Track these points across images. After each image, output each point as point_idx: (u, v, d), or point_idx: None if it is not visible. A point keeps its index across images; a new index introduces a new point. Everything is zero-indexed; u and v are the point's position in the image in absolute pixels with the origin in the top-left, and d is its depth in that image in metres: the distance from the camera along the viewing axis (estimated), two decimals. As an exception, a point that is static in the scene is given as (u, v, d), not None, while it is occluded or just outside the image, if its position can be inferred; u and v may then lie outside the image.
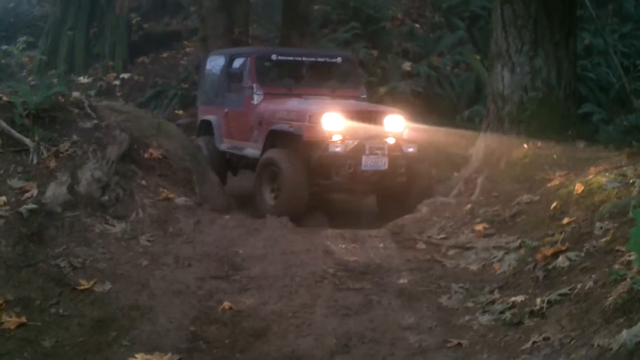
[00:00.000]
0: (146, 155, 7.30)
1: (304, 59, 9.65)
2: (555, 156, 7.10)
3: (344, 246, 6.25)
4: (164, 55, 16.62)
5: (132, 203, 6.46)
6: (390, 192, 8.39)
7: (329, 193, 8.68)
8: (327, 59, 9.73)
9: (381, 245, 6.35)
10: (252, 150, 8.75)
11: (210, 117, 9.82)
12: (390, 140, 8.03)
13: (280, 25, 14.64)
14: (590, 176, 5.86)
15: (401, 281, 5.38)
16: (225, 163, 9.59)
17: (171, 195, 6.91)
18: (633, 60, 14.70)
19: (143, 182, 6.83)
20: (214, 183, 8.51)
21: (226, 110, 9.48)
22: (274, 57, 9.36)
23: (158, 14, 17.96)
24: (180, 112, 14.02)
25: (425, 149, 8.45)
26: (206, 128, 9.94)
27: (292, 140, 8.09)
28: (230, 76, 9.41)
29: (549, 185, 6.37)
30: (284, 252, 6.08)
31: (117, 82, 15.82)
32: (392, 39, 14.94)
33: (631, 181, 5.28)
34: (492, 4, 9.13)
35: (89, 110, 7.20)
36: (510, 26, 8.08)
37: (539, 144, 7.45)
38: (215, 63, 10.18)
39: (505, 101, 8.06)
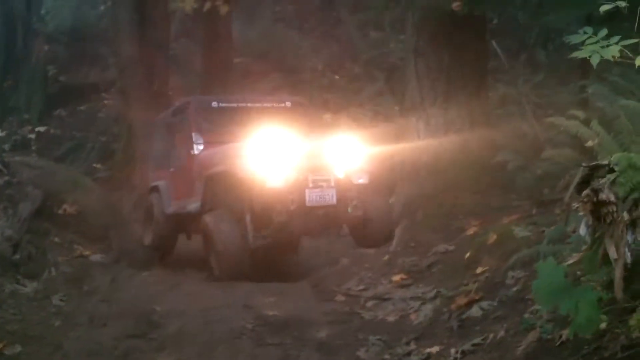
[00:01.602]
0: (60, 212, 7.18)
1: (248, 105, 8.83)
2: (470, 205, 7.25)
3: (263, 300, 6.20)
4: (82, 107, 16.37)
5: (44, 261, 6.34)
6: (350, 231, 7.84)
7: (279, 243, 7.63)
8: (274, 104, 9.00)
9: (301, 298, 6.33)
10: (193, 204, 8.01)
11: (159, 182, 9.10)
12: (338, 171, 7.44)
13: (200, 77, 14.66)
14: (503, 225, 6.02)
15: (320, 335, 5.37)
16: (175, 227, 8.72)
17: (86, 252, 6.80)
18: (545, 110, 15.20)
19: (56, 239, 6.73)
20: (133, 238, 8.38)
21: (172, 169, 8.89)
22: (214, 104, 8.62)
23: (76, 65, 17.69)
24: (99, 165, 13.76)
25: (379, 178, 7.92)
26: (157, 190, 9.20)
27: (230, 185, 7.46)
28: (173, 132, 8.93)
29: (464, 234, 6.52)
30: (203, 307, 6.00)
31: (32, 136, 15.44)
32: (313, 90, 15.13)
33: (541, 230, 5.43)
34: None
35: (0, 167, 7.05)
36: (423, 79, 8.25)
37: (455, 193, 7.59)
38: (160, 126, 9.69)
39: (421, 152, 8.20)
